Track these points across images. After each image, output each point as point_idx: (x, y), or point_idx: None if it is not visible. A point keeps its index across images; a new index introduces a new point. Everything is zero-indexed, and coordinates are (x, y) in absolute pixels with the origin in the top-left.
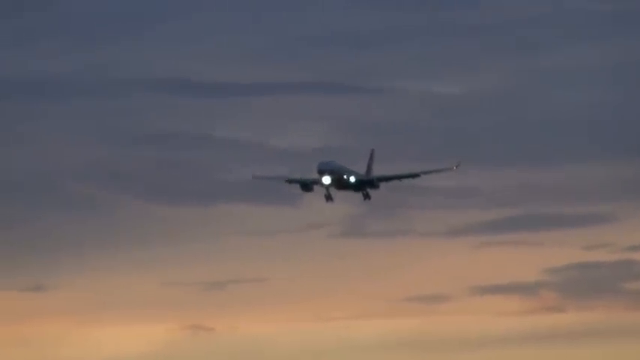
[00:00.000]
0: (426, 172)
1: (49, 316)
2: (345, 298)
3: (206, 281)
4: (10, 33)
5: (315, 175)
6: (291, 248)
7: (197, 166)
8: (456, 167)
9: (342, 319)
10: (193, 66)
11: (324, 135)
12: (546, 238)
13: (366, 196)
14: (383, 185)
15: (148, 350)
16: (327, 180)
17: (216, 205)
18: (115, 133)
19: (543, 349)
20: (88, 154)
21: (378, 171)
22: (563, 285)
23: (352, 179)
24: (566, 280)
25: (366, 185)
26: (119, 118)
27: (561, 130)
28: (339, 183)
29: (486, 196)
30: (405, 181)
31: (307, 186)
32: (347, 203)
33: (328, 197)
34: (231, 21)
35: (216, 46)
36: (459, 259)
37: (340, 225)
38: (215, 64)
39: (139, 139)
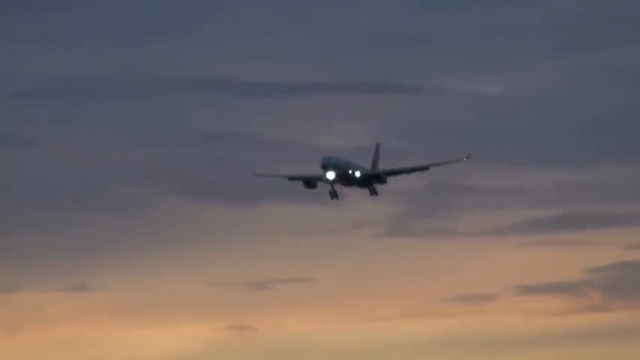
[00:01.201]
0: (434, 165)
1: (93, 316)
2: (388, 298)
3: (250, 281)
4: (52, 33)
5: (319, 171)
6: (336, 248)
7: (241, 166)
8: (467, 159)
9: (386, 319)
10: (238, 65)
11: (368, 134)
12: (589, 237)
13: (373, 192)
14: (421, 184)
15: (191, 350)
16: (331, 175)
17: (260, 205)
18: (159, 132)
19: (587, 348)
20: (131, 154)
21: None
22: (606, 284)
23: (357, 174)
24: (609, 279)
25: (372, 180)
26: (162, 118)
27: (604, 129)
28: (344, 179)
29: (530, 196)
30: (449, 181)
31: (310, 183)
32: (391, 203)
33: (333, 194)
34: (276, 20)
35: (261, 46)
36: (503, 259)
37: (384, 224)
38: (259, 64)
39: (183, 139)
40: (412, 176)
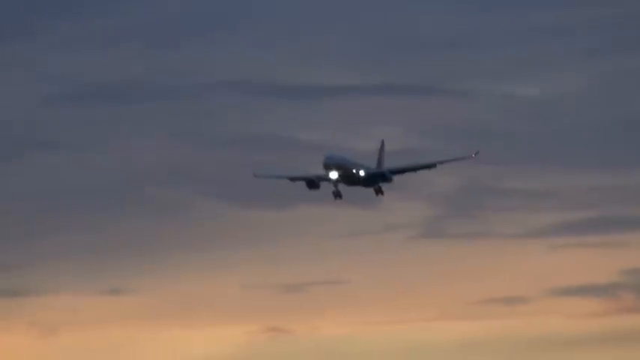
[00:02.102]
0: (442, 162)
1: (127, 319)
2: (423, 300)
3: (285, 283)
4: (87, 36)
5: (321, 171)
6: (371, 250)
7: (276, 168)
8: (475, 155)
9: (420, 321)
10: (274, 68)
11: (402, 137)
12: (623, 239)
13: (379, 192)
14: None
15: (227, 353)
16: (334, 175)
17: (295, 207)
18: (194, 135)
19: (621, 350)
20: (166, 156)
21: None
22: None
23: (362, 173)
24: None
25: (377, 179)
26: (198, 121)
27: (638, 132)
28: (348, 178)
29: (564, 198)
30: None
31: (313, 183)
32: (426, 205)
33: (337, 194)
34: (312, 23)
35: (297, 48)
36: (537, 261)
37: (419, 227)
38: (295, 66)
39: (218, 142)
40: (447, 179)
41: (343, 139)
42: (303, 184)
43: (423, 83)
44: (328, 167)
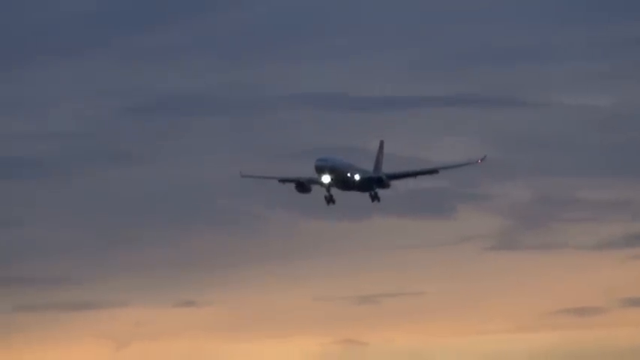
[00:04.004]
0: (445, 168)
1: (202, 331)
2: (498, 311)
3: (359, 295)
4: (159, 49)
5: (314, 174)
6: (445, 261)
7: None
8: (481, 161)
9: (495, 333)
10: (347, 81)
11: (475, 148)
12: None
13: (375, 198)
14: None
15: None
16: (326, 179)
17: (369, 218)
18: (268, 148)
19: None
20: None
21: (388, 168)
22: None
23: (357, 177)
24: None
25: (373, 184)
26: (272, 134)
27: None
28: (342, 182)
29: (638, 209)
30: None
31: (303, 185)
32: (500, 216)
33: (329, 199)
34: (384, 36)
35: (369, 61)
36: (611, 272)
37: (493, 238)
38: (368, 79)
39: (293, 154)
40: (520, 190)
41: (416, 150)
42: (292, 186)
43: (496, 95)
44: (320, 170)
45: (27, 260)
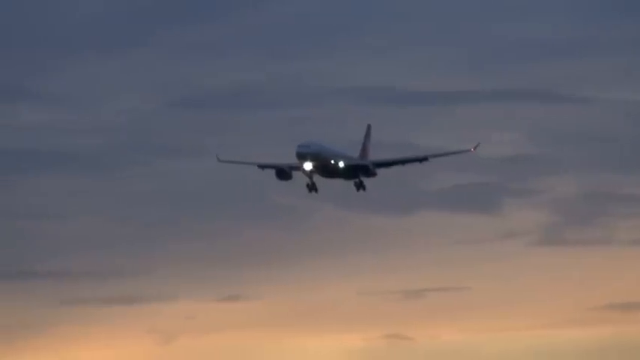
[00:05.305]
0: (436, 155)
1: (247, 326)
2: (543, 307)
3: (405, 290)
4: (214, 43)
5: (294, 160)
6: (490, 257)
7: (397, 175)
8: (474, 149)
9: (540, 328)
10: (393, 75)
11: (519, 143)
12: None
13: (360, 186)
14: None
15: None
16: (308, 166)
17: (416, 214)
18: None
19: None
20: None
21: (377, 154)
22: None
23: (341, 164)
24: None
25: (359, 172)
26: (318, 128)
27: None
28: (325, 169)
29: None
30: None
31: (283, 172)
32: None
33: (311, 187)
34: (430, 30)
35: (415, 56)
36: None
37: (538, 233)
38: (413, 73)
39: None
40: (566, 186)
41: (461, 144)
42: (272, 173)
43: (542, 89)
44: (302, 157)
45: (73, 254)
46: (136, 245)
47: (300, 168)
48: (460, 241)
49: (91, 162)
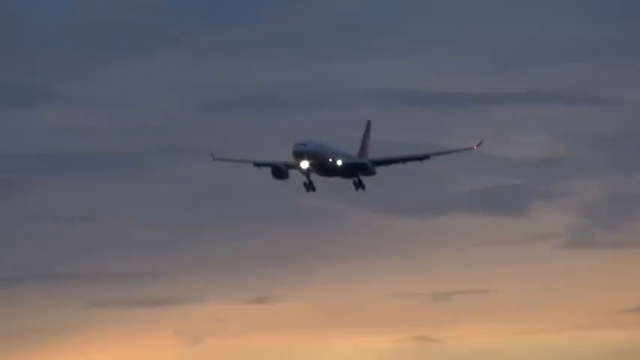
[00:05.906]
0: (437, 154)
1: (275, 328)
2: (570, 309)
3: (433, 292)
4: (246, 45)
5: (291, 158)
6: (518, 259)
7: (425, 177)
8: (477, 147)
9: (568, 330)
10: (420, 77)
11: (547, 145)
12: None
13: (359, 185)
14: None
15: None
16: (305, 164)
17: (444, 216)
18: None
19: None
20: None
21: (378, 152)
22: None
23: (339, 163)
24: None
25: (357, 170)
26: (346, 130)
27: None
28: (323, 168)
29: None
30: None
31: (279, 171)
32: (572, 214)
33: (309, 186)
34: (457, 31)
35: (442, 57)
36: None
37: (566, 236)
38: (440, 75)
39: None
40: (593, 188)
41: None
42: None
43: (570, 91)
44: (299, 156)
45: (103, 256)
46: (165, 247)
47: (297, 166)
48: (488, 244)
49: (122, 163)
